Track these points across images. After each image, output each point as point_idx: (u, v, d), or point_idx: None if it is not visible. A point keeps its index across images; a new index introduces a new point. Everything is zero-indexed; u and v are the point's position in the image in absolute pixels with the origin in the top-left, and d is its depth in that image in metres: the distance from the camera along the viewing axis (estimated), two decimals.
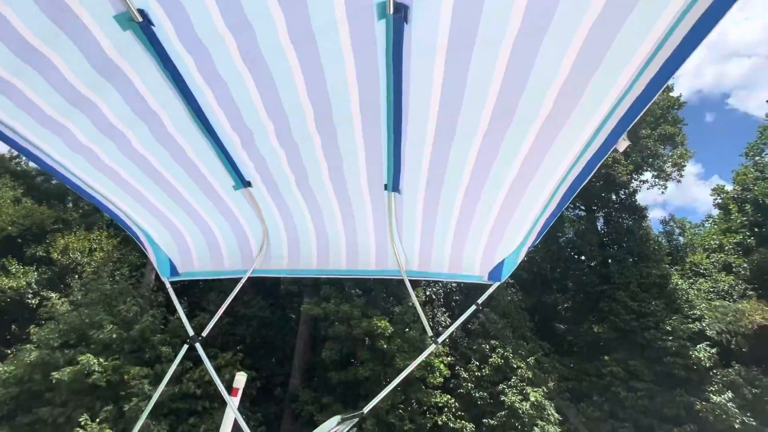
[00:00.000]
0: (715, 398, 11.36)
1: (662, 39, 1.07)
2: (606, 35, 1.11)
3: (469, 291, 14.07)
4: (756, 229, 16.47)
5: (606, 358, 13.38)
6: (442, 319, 13.51)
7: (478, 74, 1.32)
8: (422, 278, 3.94)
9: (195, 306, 13.78)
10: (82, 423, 9.44)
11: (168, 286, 2.59)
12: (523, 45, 1.18)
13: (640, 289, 13.77)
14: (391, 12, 1.14)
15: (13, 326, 13.47)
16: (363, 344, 11.99)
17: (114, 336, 10.89)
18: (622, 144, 1.54)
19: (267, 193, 2.11)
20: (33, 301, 12.67)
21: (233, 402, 2.30)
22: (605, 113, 1.35)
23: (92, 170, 1.77)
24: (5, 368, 10.63)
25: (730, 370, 12.12)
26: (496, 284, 2.55)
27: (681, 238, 18.08)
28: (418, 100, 1.46)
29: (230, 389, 2.39)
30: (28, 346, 10.37)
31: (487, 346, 12.18)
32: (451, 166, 1.75)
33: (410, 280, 2.58)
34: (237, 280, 2.60)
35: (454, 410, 10.89)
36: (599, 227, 16.09)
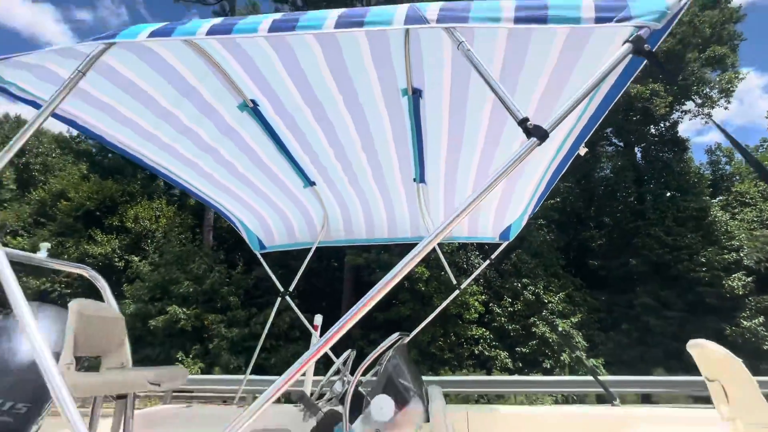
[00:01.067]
0: (746, 323, 11.77)
1: None
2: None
3: None
4: None
5: (637, 290, 13.88)
6: (476, 261, 14.39)
7: (472, 119, 1.96)
8: (447, 242, 4.65)
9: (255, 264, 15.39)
10: (179, 359, 11.60)
11: (259, 256, 3.54)
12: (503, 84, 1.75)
13: (676, 224, 13.78)
14: (411, 93, 1.80)
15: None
16: (403, 287, 13.21)
17: (191, 290, 12.79)
18: (582, 150, 2.13)
19: (328, 191, 2.89)
20: (120, 264, 14.79)
21: (316, 335, 3.25)
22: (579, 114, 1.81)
23: (197, 176, 2.61)
24: None
25: (765, 296, 12.33)
26: (506, 243, 3.28)
27: (728, 167, 17.27)
28: (433, 132, 2.13)
29: (312, 326, 3.35)
30: (127, 301, 12.45)
31: (519, 284, 13.05)
32: (461, 165, 2.43)
33: (438, 244, 3.35)
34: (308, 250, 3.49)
35: (488, 341, 12.12)
36: (637, 162, 15.74)
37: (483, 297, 12.97)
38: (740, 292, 12.20)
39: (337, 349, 2.69)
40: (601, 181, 16.07)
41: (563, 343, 10.87)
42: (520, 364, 11.78)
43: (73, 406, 1.07)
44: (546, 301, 12.59)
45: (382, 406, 1.42)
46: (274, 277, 3.33)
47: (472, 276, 3.98)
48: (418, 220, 3.16)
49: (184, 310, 12.23)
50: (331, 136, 2.19)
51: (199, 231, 17.13)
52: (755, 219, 14.66)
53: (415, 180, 2.72)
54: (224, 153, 2.32)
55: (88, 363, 2.36)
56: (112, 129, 2.07)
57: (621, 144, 16.32)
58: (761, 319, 11.81)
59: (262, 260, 3.51)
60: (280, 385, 0.99)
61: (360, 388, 1.69)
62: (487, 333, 12.37)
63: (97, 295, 2.56)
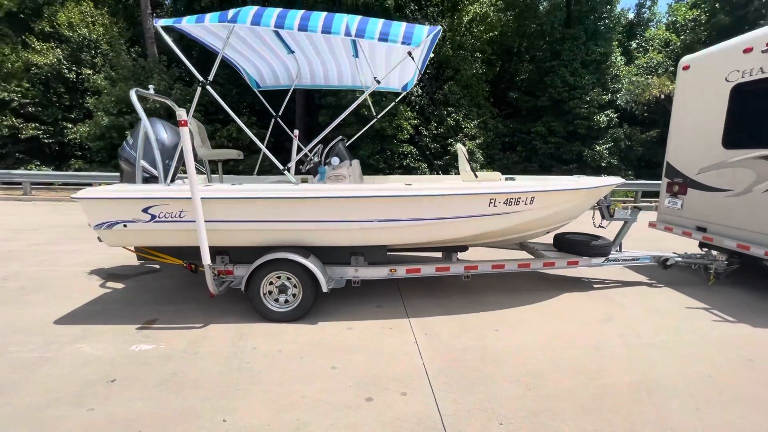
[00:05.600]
0: (598, 147, 16.24)
1: None
2: None
3: (440, 64, 16.57)
4: (717, 4, 17.53)
5: (538, 121, 17.50)
6: (414, 89, 16.60)
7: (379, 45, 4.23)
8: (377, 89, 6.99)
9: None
10: None
11: (258, 93, 5.77)
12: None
13: (582, 66, 16.43)
14: (352, 37, 4.01)
15: (65, 96, 16.20)
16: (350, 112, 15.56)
17: (157, 105, 14.11)
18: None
19: (302, 56, 5.06)
20: (71, 75, 14.98)
21: (296, 140, 5.91)
22: None
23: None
24: (84, 128, 14.28)
25: (619, 129, 16.55)
26: (405, 92, 5.82)
27: (647, 12, 19.00)
28: (360, 44, 4.36)
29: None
30: (99, 113, 13.64)
31: (445, 112, 15.93)
32: (378, 50, 4.73)
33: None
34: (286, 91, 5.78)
35: (415, 156, 15.71)
36: (569, 4, 16.91)
37: (415, 121, 15.88)
38: (604, 125, 16.23)
39: (282, 160, 5.45)
40: (536, 18, 17.36)
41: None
42: (437, 172, 15.83)
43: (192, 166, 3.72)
44: (463, 126, 15.85)
45: (335, 159, 4.28)
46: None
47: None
48: (356, 76, 5.52)
49: None
50: (312, 39, 4.33)
51: (141, 41, 16.75)
52: (645, 65, 17.68)
53: (353, 56, 4.98)
54: (244, 35, 4.33)
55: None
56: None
57: None
58: (609, 145, 16.28)
59: (259, 95, 5.77)
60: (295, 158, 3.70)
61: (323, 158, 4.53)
62: (415, 150, 15.86)
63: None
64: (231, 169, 14.43)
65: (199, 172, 4.48)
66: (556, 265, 4.53)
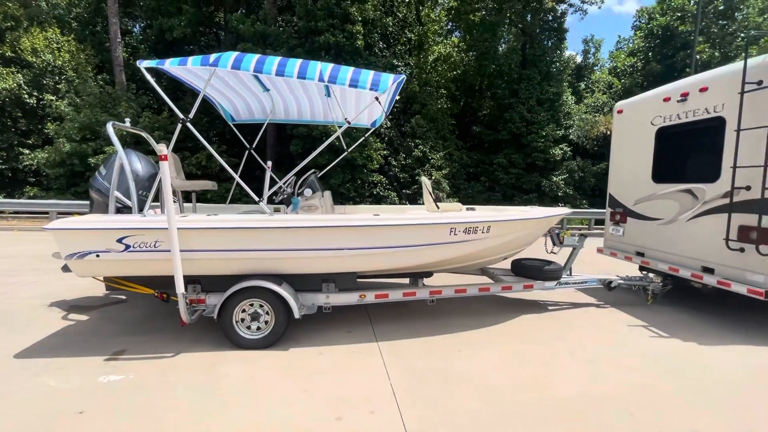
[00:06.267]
0: (555, 178, 17.43)
1: None
2: None
3: (408, 99, 17.49)
4: (650, 54, 19.78)
5: (499, 153, 18.61)
6: (384, 122, 17.34)
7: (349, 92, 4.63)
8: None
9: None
10: None
11: (232, 126, 6.00)
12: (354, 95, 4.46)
13: (537, 104, 17.86)
14: (325, 83, 4.38)
15: (22, 121, 15.61)
16: (321, 140, 15.97)
17: (124, 133, 13.91)
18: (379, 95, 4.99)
19: (277, 94, 5.37)
20: (31, 101, 14.56)
21: (269, 171, 6.14)
22: None
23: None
24: (42, 155, 13.78)
25: (573, 161, 17.90)
26: (373, 128, 6.23)
27: (591, 58, 21.13)
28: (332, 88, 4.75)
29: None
30: (61, 139, 13.26)
31: (413, 144, 16.67)
32: (348, 95, 5.13)
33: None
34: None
35: (384, 185, 16.19)
36: (525, 47, 18.55)
37: (384, 152, 16.47)
38: (559, 158, 17.50)
39: (254, 188, 5.69)
40: (495, 59, 18.83)
41: (434, 187, 15.36)
42: (405, 202, 16.33)
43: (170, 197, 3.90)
44: (430, 157, 16.61)
45: (308, 190, 4.54)
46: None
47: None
48: (328, 112, 5.88)
49: None
50: (287, 80, 4.66)
51: (108, 68, 16.62)
52: (592, 104, 19.43)
53: (326, 95, 5.35)
54: (223, 74, 4.59)
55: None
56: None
57: (521, 27, 18.65)
58: (565, 176, 17.52)
59: (234, 129, 5.99)
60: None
61: (296, 189, 4.78)
62: (384, 179, 16.35)
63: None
64: (199, 197, 14.25)
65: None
66: (513, 289, 4.90)
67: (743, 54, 4.18)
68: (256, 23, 15.48)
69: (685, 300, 5.79)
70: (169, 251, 3.47)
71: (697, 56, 15.22)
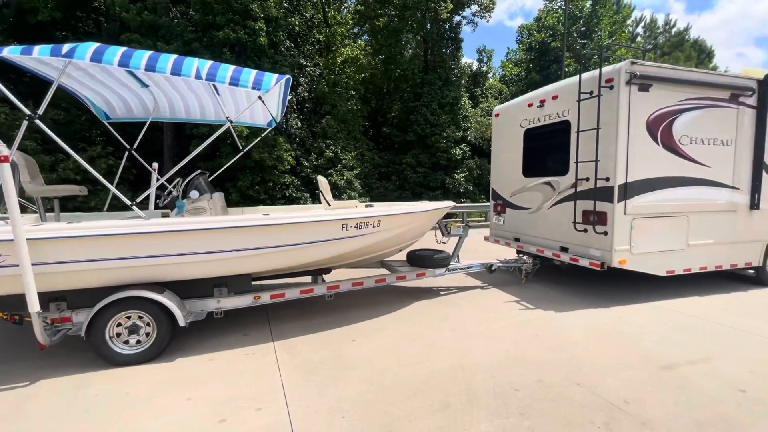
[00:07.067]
0: (457, 176, 18.88)
1: None
2: None
3: (318, 99, 17.43)
4: (531, 65, 22.51)
5: (408, 153, 19.51)
6: (295, 122, 17.02)
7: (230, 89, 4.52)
8: (242, 124, 7.12)
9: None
10: None
11: (107, 124, 5.43)
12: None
13: (439, 107, 19.13)
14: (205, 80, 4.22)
15: None
16: (225, 141, 15.10)
17: None
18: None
19: (158, 89, 5.01)
20: None
21: (155, 174, 5.68)
22: None
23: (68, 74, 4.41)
24: None
25: (472, 160, 19.58)
26: (270, 128, 6.14)
27: (484, 66, 23.34)
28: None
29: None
30: None
31: (324, 144, 16.68)
32: (239, 94, 4.99)
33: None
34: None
35: (297, 186, 15.93)
36: (427, 53, 19.74)
37: (296, 152, 16.20)
38: (459, 157, 19.00)
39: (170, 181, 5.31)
40: (400, 64, 19.72)
41: (345, 187, 15.59)
42: (317, 202, 16.25)
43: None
44: (342, 158, 16.78)
45: (194, 192, 4.34)
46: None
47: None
48: (220, 112, 5.65)
49: None
50: (169, 79, 4.38)
51: None
52: (486, 108, 21.44)
53: (215, 94, 5.14)
54: (86, 66, 4.15)
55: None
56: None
57: (420, 37, 19.79)
58: (465, 174, 19.07)
59: (109, 127, 5.42)
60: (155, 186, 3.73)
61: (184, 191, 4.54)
62: (297, 180, 16.09)
63: None
64: (79, 205, 12.50)
65: (24, 210, 4.01)
66: (407, 278, 5.27)
67: (598, 67, 5.06)
68: (144, 12, 14.05)
69: (550, 276, 6.79)
70: (17, 266, 3.06)
71: (566, 68, 17.79)
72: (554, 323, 4.58)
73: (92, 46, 3.40)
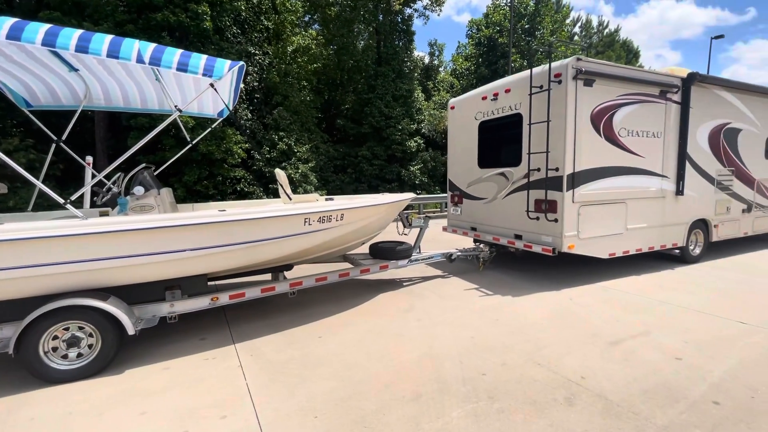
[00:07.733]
0: (412, 168, 19.11)
1: None
2: None
3: (268, 89, 16.73)
4: (480, 59, 23.22)
5: (363, 146, 19.39)
6: (245, 113, 16.22)
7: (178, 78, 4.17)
8: (193, 115, 6.63)
9: None
10: None
11: (28, 113, 4.81)
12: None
13: (393, 99, 19.17)
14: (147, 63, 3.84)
15: None
16: (168, 133, 14.05)
17: None
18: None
19: (89, 74, 4.50)
20: None
21: (89, 169, 5.15)
22: None
23: None
24: None
25: (426, 152, 19.90)
26: (221, 118, 5.78)
27: (436, 60, 23.72)
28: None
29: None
30: None
31: (276, 137, 16.10)
32: (185, 81, 4.62)
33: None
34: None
35: (248, 180, 15.26)
36: (380, 45, 19.63)
37: (246, 145, 15.48)
38: (414, 150, 19.23)
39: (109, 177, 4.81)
40: (353, 55, 19.45)
41: (300, 180, 15.21)
42: (272, 196, 15.70)
43: None
44: (296, 150, 16.31)
45: (139, 188, 3.98)
46: None
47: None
48: (163, 100, 5.21)
49: None
50: (99, 58, 3.93)
51: None
52: (438, 101, 21.84)
53: (156, 80, 4.72)
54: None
55: None
56: None
57: (373, 28, 19.62)
58: (420, 166, 19.36)
59: (29, 114, 4.80)
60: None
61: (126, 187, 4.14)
62: (248, 174, 15.41)
63: None
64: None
65: None
66: (371, 271, 5.25)
67: (544, 62, 5.27)
68: None
69: (505, 263, 7.11)
70: None
71: (512, 64, 18.57)
72: (512, 307, 4.79)
73: (8, 21, 2.97)
